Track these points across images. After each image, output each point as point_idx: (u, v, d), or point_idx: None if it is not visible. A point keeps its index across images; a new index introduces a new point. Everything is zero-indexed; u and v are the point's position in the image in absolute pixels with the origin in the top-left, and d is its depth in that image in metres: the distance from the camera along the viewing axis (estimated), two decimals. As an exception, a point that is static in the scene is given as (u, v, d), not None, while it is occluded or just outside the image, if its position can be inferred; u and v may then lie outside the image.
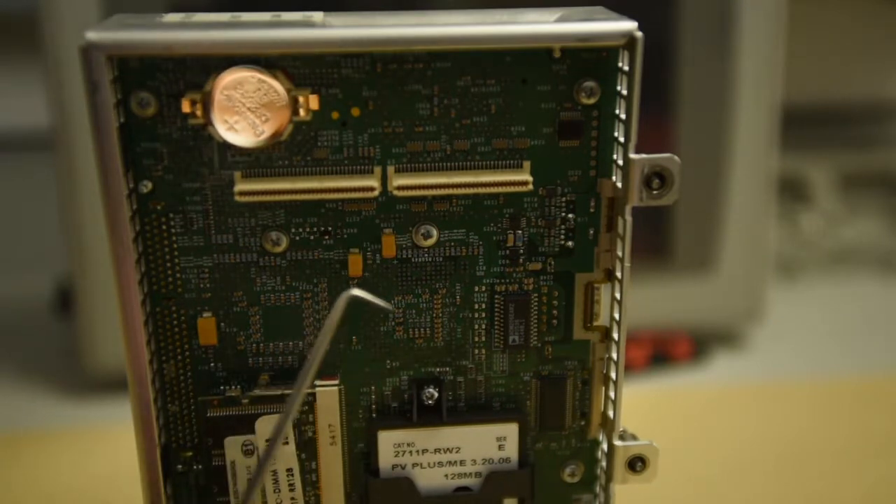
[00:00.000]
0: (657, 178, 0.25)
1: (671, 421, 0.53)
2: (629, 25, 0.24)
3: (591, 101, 0.25)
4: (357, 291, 0.24)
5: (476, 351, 0.28)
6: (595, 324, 0.28)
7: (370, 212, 0.26)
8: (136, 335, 0.25)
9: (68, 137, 0.46)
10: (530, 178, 0.26)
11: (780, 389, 0.57)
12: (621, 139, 0.25)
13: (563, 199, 0.26)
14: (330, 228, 0.26)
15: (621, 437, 0.28)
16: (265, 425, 0.26)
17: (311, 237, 0.26)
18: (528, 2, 0.28)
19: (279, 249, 0.26)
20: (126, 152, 0.24)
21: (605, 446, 0.28)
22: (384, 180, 0.25)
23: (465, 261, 0.27)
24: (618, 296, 0.26)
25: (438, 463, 0.28)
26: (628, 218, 0.26)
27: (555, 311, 0.27)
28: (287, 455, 0.27)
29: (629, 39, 0.24)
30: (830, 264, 0.72)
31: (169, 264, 0.26)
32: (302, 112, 0.25)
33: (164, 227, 0.25)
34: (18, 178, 0.72)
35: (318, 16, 0.25)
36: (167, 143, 0.25)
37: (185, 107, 0.24)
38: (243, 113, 0.24)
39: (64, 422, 0.51)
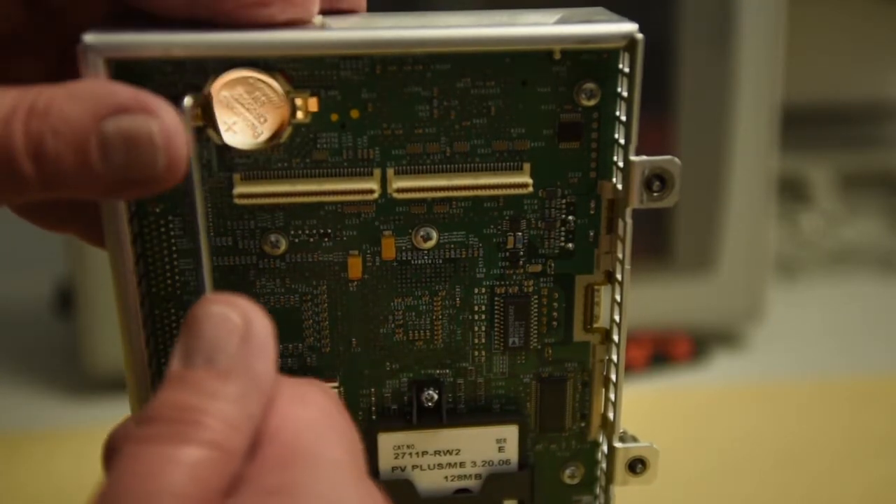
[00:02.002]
0: (657, 180, 0.25)
1: (671, 421, 0.53)
2: (630, 27, 0.24)
3: (592, 102, 0.25)
4: None
5: (476, 353, 0.28)
6: (595, 326, 0.28)
7: (370, 214, 0.26)
8: (135, 336, 0.25)
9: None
10: (530, 180, 0.26)
11: (779, 389, 0.57)
12: (622, 141, 0.25)
13: (564, 201, 0.26)
14: (329, 231, 0.26)
15: (621, 439, 0.28)
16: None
17: (311, 239, 0.26)
18: (528, 3, 0.28)
19: (278, 252, 0.26)
20: (125, 154, 0.24)
21: (605, 448, 0.28)
22: (384, 182, 0.25)
23: (465, 263, 0.27)
24: (618, 298, 0.26)
25: (438, 465, 0.28)
26: (628, 220, 0.25)
27: (555, 313, 0.27)
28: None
29: (630, 41, 0.24)
30: (830, 264, 0.72)
31: (168, 266, 0.26)
32: (301, 114, 0.24)
33: (162, 229, 0.25)
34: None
35: (317, 18, 0.25)
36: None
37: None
38: (242, 115, 0.24)
39: (64, 422, 0.51)
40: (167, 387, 0.20)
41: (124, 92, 0.20)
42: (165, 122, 0.20)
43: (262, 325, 0.21)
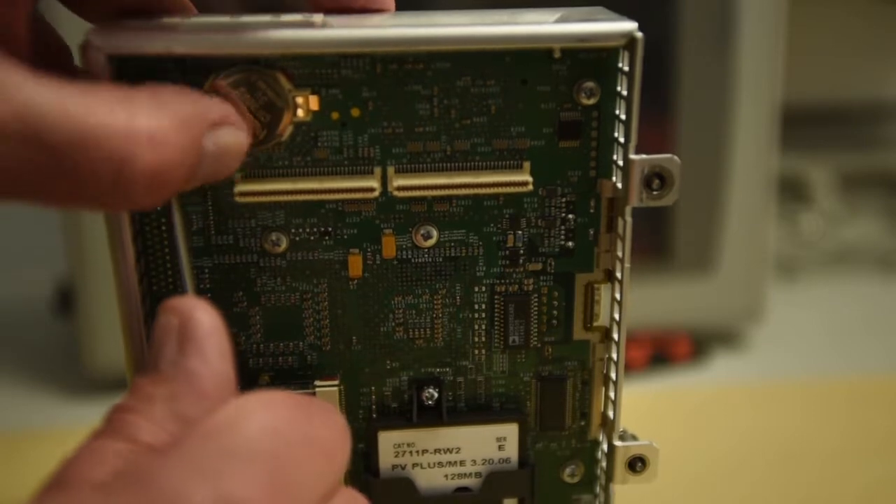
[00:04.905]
0: (657, 178, 0.25)
1: (671, 421, 0.53)
2: (629, 26, 0.24)
3: (591, 101, 0.25)
4: None
5: (476, 351, 0.28)
6: (595, 324, 0.28)
7: (370, 212, 0.26)
8: (136, 335, 0.25)
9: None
10: (530, 179, 0.26)
11: (779, 389, 0.57)
12: (621, 140, 0.25)
13: (563, 199, 0.26)
14: (330, 229, 0.26)
15: (621, 438, 0.28)
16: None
17: (311, 238, 0.26)
18: (528, 2, 0.28)
19: (279, 250, 0.26)
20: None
21: (605, 446, 0.28)
22: (384, 181, 0.25)
23: (465, 261, 0.27)
24: (618, 296, 0.26)
25: (438, 463, 0.28)
26: (628, 218, 0.26)
27: (555, 312, 0.27)
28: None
29: (629, 40, 0.24)
30: (830, 264, 0.72)
31: (169, 265, 0.26)
32: (302, 112, 0.25)
33: (164, 227, 0.25)
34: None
35: (317, 17, 0.25)
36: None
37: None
38: (243, 113, 0.24)
39: (64, 422, 0.51)
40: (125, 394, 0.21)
41: (210, 106, 0.22)
42: (242, 125, 0.23)
43: (200, 325, 0.21)
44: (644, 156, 0.25)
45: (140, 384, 0.21)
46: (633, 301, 0.26)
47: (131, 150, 0.19)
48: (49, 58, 0.25)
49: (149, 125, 0.20)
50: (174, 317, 0.21)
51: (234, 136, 0.22)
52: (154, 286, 0.26)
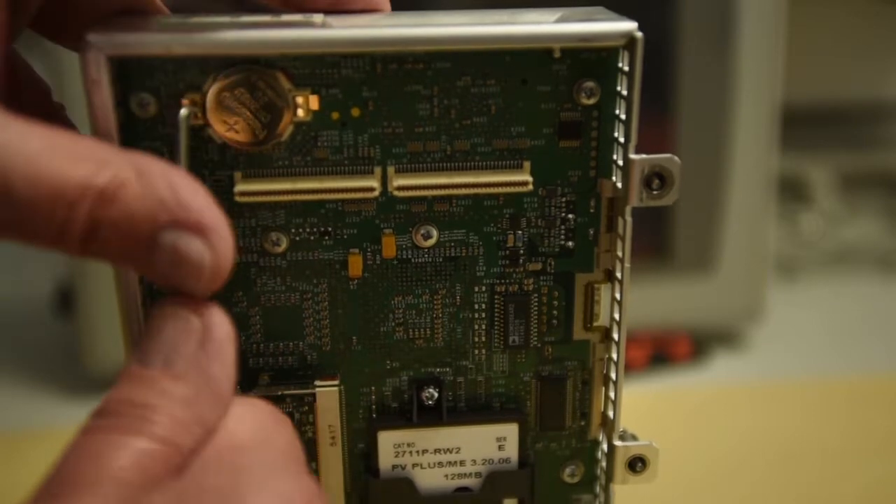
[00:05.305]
0: (657, 178, 0.25)
1: (671, 421, 0.53)
2: (629, 26, 0.24)
3: (591, 101, 0.25)
4: None
5: (476, 351, 0.28)
6: (595, 324, 0.28)
7: (370, 212, 0.26)
8: (135, 335, 0.25)
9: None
10: (530, 179, 0.26)
11: (779, 389, 0.57)
12: (621, 139, 0.25)
13: (563, 199, 0.26)
14: (330, 229, 0.26)
15: (621, 438, 0.28)
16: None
17: (311, 237, 0.26)
18: (528, 2, 0.28)
19: (279, 250, 0.26)
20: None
21: (605, 446, 0.28)
22: (384, 181, 0.25)
23: (465, 261, 0.27)
24: (618, 296, 0.26)
25: (438, 463, 0.28)
26: (628, 218, 0.26)
27: (555, 312, 0.27)
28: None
29: (629, 40, 0.24)
30: (830, 264, 0.72)
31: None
32: (302, 112, 0.25)
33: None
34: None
35: (317, 17, 0.25)
36: (168, 144, 0.25)
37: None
38: (243, 114, 0.24)
39: (64, 422, 0.51)
40: (123, 383, 0.20)
41: (192, 207, 0.20)
42: (220, 251, 0.20)
43: (221, 329, 0.21)
44: (644, 156, 0.25)
45: (154, 378, 0.20)
46: (633, 301, 0.26)
47: (77, 203, 0.19)
48: (25, 96, 0.25)
49: (107, 184, 0.19)
50: (194, 317, 0.21)
51: (197, 252, 0.20)
52: (154, 285, 0.26)
